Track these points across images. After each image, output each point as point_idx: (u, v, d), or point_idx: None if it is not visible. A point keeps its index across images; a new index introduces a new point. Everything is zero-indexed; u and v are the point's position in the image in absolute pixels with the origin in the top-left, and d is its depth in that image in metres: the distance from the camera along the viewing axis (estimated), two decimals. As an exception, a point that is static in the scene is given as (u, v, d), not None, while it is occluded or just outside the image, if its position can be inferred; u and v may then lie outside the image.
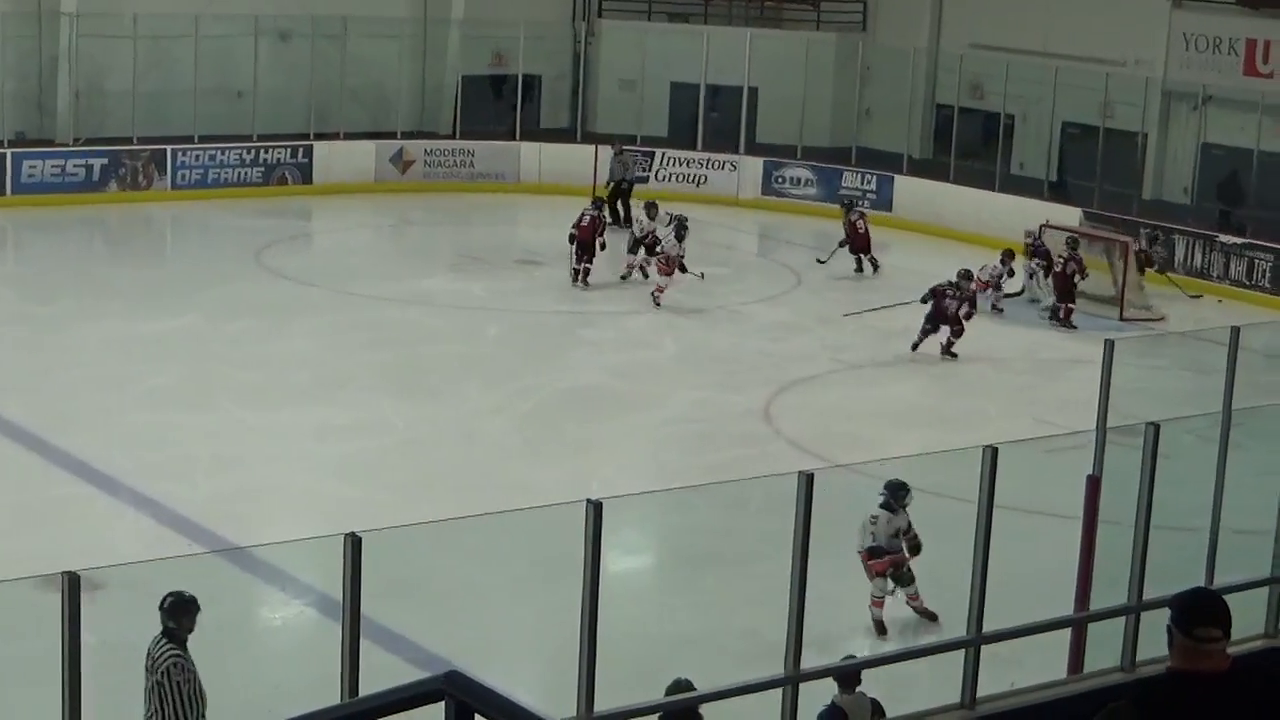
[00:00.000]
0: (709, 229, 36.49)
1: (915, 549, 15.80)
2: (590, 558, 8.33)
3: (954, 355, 26.11)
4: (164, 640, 11.01)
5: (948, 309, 25.93)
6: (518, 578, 16.06)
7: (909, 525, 15.84)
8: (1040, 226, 32.22)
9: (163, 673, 10.95)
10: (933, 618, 15.53)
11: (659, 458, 20.77)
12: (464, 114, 39.99)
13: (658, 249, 29.10)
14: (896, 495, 15.94)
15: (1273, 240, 32.74)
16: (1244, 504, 11.41)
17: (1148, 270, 31.32)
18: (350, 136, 38.49)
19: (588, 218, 29.63)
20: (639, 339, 27.09)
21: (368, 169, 38.50)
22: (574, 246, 29.39)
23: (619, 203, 35.56)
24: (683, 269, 28.30)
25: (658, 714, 9.97)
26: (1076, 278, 28.99)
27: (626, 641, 13.07)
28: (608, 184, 36.05)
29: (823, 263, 31.87)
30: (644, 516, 17.11)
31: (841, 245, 31.86)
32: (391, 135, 39.14)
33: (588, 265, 29.40)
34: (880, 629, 15.71)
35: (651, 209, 30.44)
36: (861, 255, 32.13)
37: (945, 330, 26.00)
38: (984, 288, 28.67)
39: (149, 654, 11.04)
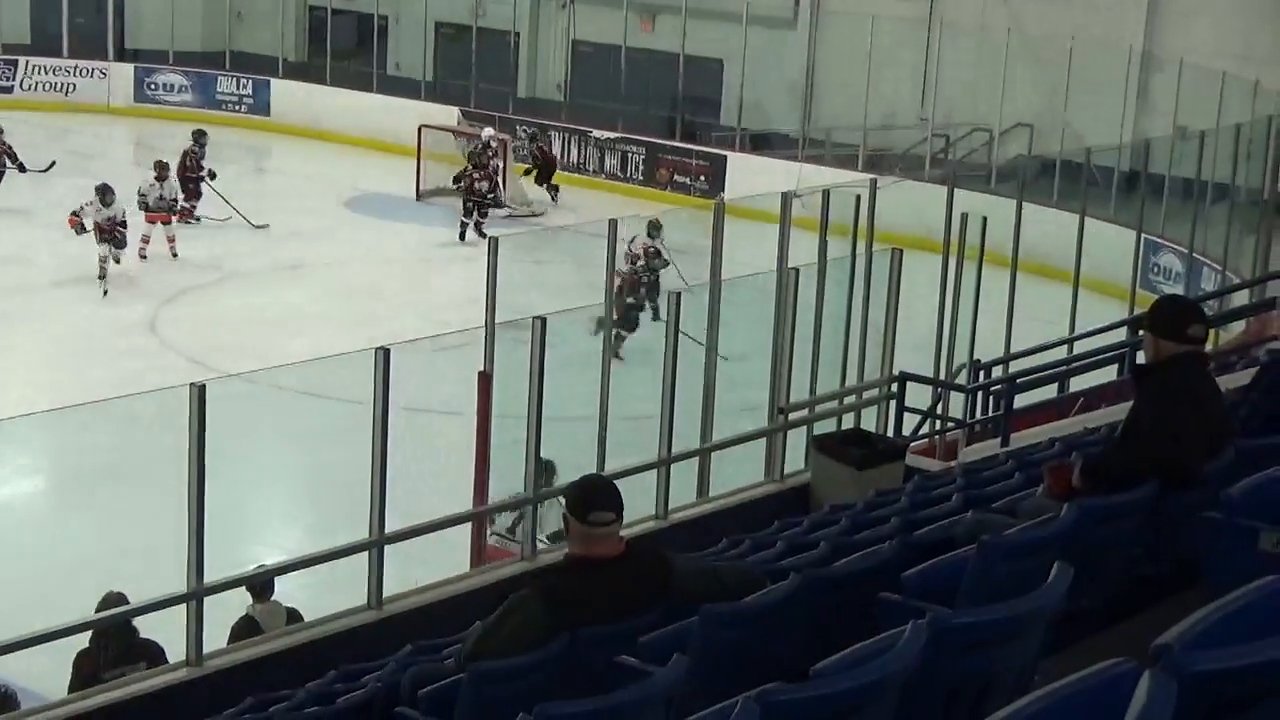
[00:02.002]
0: (79, 138, 35.33)
1: None
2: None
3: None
4: None
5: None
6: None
7: None
8: (420, 127, 32.40)
9: None
10: None
11: (44, 377, 20.02)
12: None
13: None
14: None
15: (643, 134, 33.91)
16: (631, 391, 11.84)
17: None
18: None
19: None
20: (12, 256, 25.95)
21: None
22: None
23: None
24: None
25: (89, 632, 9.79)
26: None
27: (22, 567, 12.64)
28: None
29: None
30: (32, 438, 16.51)
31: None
32: None
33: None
34: None
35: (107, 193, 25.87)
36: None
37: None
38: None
39: None
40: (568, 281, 22.27)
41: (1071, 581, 5.05)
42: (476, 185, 29.21)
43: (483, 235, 28.64)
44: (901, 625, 4.60)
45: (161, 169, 26.84)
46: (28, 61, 38.32)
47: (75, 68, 38.51)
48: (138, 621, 9.88)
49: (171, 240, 26.29)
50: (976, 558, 5.60)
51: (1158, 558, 6.57)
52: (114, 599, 9.92)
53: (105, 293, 23.97)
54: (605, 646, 5.69)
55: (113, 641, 10.06)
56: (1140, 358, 8.09)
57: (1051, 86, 30.12)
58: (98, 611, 9.88)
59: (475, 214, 28.82)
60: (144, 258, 25.89)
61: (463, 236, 28.43)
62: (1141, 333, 6.95)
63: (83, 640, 10.00)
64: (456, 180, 30.13)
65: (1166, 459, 6.51)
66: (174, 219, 26.55)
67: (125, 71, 38.62)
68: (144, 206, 26.35)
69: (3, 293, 23.76)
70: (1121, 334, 17.41)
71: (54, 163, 28.69)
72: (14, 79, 38.10)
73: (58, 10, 38.47)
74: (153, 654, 10.05)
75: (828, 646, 4.62)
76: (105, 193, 24.59)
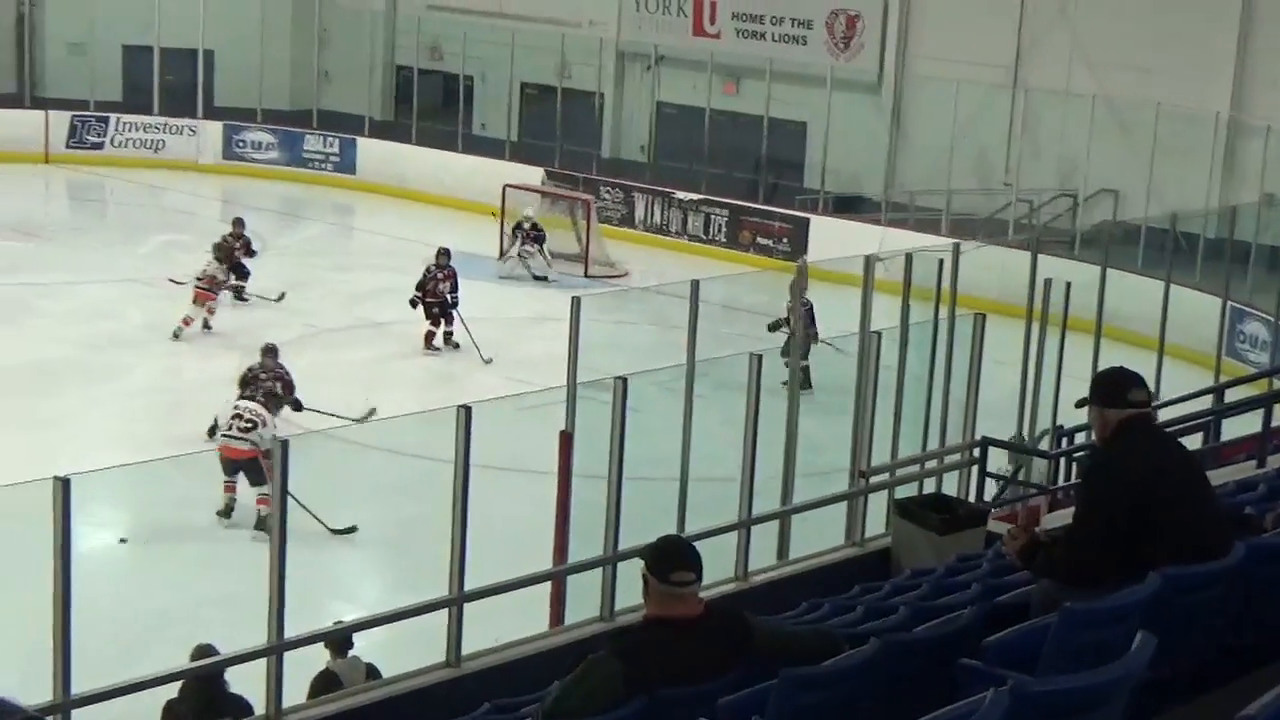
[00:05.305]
0: (168, 195, 35.78)
1: None
2: (59, 536, 8.05)
3: (457, 345, 25.52)
4: None
5: (440, 294, 25.52)
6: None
7: None
8: (504, 187, 32.59)
9: None
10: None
11: (130, 430, 20.22)
12: (-98, 80, 38.05)
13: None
14: None
15: (726, 196, 33.97)
16: (710, 452, 11.81)
17: None
18: None
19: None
20: (102, 310, 26.26)
21: None
22: None
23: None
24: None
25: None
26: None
27: (105, 619, 12.72)
28: None
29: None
30: (116, 491, 16.66)
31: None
32: None
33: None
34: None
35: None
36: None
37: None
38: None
39: None
40: (649, 342, 22.33)
41: (1155, 651, 5.01)
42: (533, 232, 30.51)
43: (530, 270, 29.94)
44: (982, 692, 4.58)
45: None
46: (119, 118, 38.85)
47: (165, 125, 39.00)
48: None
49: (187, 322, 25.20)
50: (1058, 625, 5.55)
51: (1243, 628, 6.50)
52: (204, 651, 9.99)
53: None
54: (683, 708, 5.68)
55: (196, 694, 10.13)
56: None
57: (1137, 152, 30.01)
58: (191, 661, 9.98)
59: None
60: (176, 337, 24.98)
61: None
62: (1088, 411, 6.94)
63: (171, 690, 10.08)
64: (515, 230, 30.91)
65: (1089, 559, 6.50)
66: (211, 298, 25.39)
67: (214, 129, 39.06)
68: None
69: (91, 347, 24.01)
70: (1207, 402, 17.25)
71: (284, 294, 26.92)
72: (105, 135, 38.60)
73: (149, 68, 38.98)
74: (239, 709, 10.10)
75: (907, 712, 4.60)
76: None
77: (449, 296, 25.37)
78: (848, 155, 34.05)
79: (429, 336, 25.47)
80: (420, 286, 25.41)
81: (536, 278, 30.40)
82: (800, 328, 23.09)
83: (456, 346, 25.42)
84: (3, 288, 27.26)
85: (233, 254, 26.51)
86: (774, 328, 23.18)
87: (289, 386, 19.23)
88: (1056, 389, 15.20)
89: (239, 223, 27.55)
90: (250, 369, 19.12)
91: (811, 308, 23.49)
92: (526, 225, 30.51)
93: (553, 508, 12.05)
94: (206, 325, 25.44)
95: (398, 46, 41.40)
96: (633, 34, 37.95)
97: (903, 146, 34.33)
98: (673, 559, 6.09)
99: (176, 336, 24.92)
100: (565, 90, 37.35)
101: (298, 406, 18.96)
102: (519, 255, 30.53)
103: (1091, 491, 6.88)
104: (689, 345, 11.70)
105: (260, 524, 16.92)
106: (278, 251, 30.39)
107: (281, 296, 26.54)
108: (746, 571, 11.22)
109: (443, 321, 25.44)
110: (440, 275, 25.50)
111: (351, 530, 16.83)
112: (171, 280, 26.38)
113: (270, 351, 19.54)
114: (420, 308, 25.33)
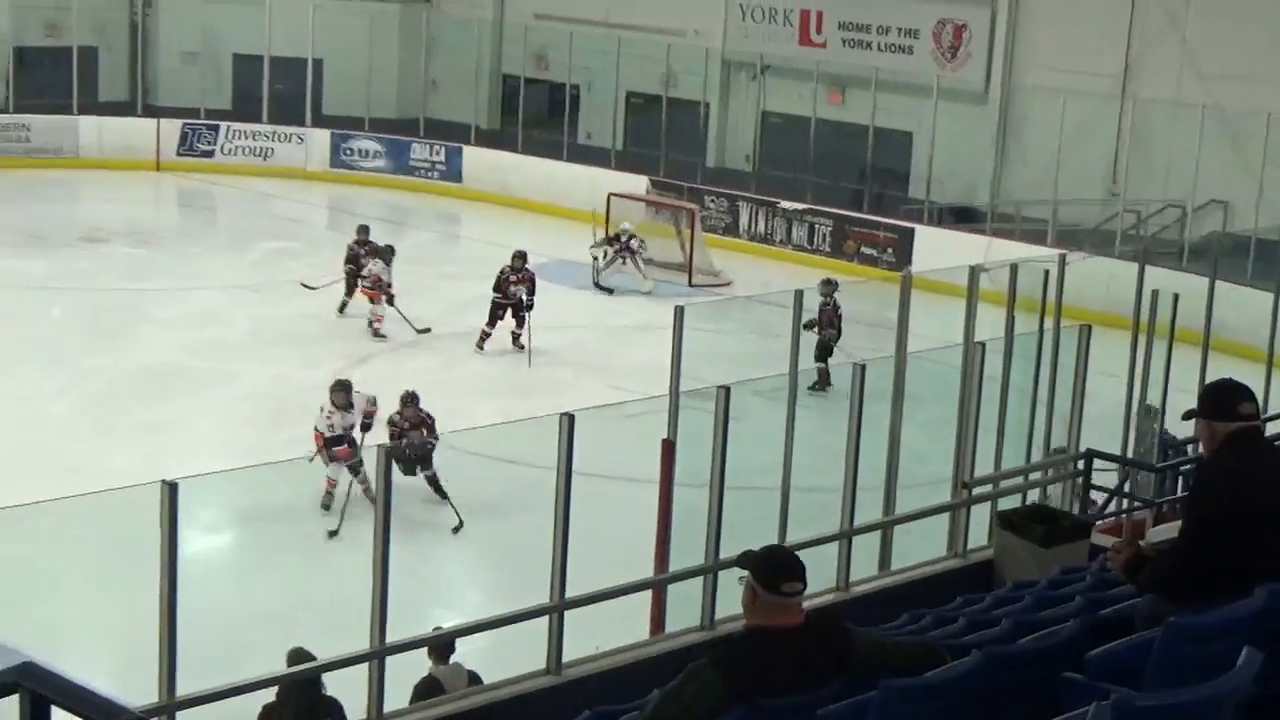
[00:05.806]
0: (277, 202, 36.12)
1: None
2: (166, 539, 8.14)
3: (523, 346, 25.54)
4: None
5: (512, 296, 25.58)
6: (91, 564, 15.62)
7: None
8: (609, 195, 32.63)
9: None
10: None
11: (236, 435, 20.42)
12: (18, 87, 38.58)
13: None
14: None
15: (831, 205, 33.87)
16: (812, 462, 11.78)
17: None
18: (-105, 111, 36.71)
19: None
20: (209, 316, 26.55)
21: (-86, 144, 36.68)
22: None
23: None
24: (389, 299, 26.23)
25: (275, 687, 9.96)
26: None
27: (209, 622, 12.84)
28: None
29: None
30: (222, 495, 16.82)
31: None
32: (-61, 110, 37.39)
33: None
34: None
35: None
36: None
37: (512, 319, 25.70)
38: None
39: None
40: (751, 351, 22.31)
41: (1261, 666, 4.95)
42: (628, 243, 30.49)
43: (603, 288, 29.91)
44: (1085, 706, 4.54)
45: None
46: (228, 126, 39.29)
47: (274, 133, 39.38)
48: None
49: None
50: (1163, 639, 5.50)
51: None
52: (298, 654, 10.08)
53: (334, 534, 17.57)
54: (783, 718, 5.66)
55: (295, 697, 10.22)
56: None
57: (1247, 163, 29.65)
58: (289, 665, 10.07)
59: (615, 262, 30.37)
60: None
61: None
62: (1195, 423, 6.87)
63: (269, 694, 10.18)
64: (613, 241, 30.78)
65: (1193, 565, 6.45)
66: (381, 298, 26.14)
67: (322, 137, 39.40)
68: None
69: (200, 353, 24.27)
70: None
71: (429, 329, 26.39)
72: (215, 143, 39.03)
73: (259, 77, 39.37)
74: (335, 712, 10.19)
75: (1009, 725, 4.57)
76: (340, 392, 19.04)
77: (524, 299, 25.46)
78: (954, 165, 33.88)
79: (483, 336, 25.56)
80: (496, 288, 25.56)
81: (600, 287, 30.28)
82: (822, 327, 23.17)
83: (522, 348, 25.49)
84: (114, 294, 27.63)
85: (359, 260, 26.75)
86: (809, 326, 23.14)
87: (432, 430, 18.73)
88: (1163, 401, 15.06)
89: (364, 230, 27.71)
90: (392, 421, 18.84)
91: (837, 307, 23.50)
92: (624, 238, 30.50)
93: (654, 516, 12.05)
94: (372, 326, 26.07)
95: (504, 55, 41.62)
96: (738, 43, 37.94)
97: (1009, 157, 34.10)
98: (782, 569, 6.07)
99: (377, 335, 25.88)
100: (671, 99, 37.38)
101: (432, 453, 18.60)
102: (602, 256, 30.43)
103: (1198, 504, 6.82)
104: (791, 355, 11.68)
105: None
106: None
107: (426, 330, 26.25)
108: (848, 582, 11.19)
109: (514, 323, 25.55)
110: (514, 277, 25.61)
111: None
112: (304, 285, 26.67)
113: (410, 400, 19.02)
114: (489, 307, 25.53)
